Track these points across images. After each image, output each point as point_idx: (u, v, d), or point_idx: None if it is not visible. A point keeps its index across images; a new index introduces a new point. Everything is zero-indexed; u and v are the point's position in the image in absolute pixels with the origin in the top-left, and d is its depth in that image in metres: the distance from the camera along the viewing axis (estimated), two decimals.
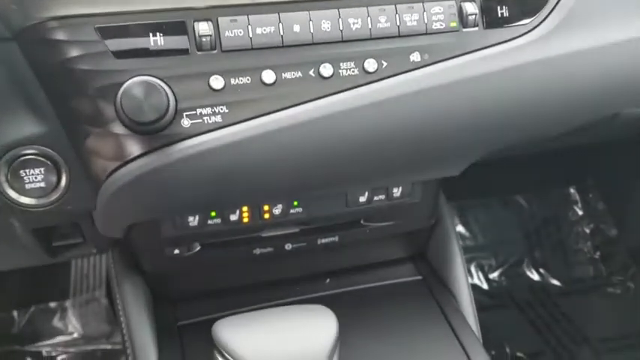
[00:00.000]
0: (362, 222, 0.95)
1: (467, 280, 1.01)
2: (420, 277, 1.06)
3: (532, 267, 1.83)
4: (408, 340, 0.92)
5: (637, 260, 1.79)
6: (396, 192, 0.91)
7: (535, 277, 1.82)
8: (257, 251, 0.92)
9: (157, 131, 0.67)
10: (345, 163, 0.77)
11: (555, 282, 1.81)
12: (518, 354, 1.60)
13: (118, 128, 0.67)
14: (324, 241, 0.94)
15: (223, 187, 0.75)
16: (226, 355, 0.60)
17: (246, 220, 0.86)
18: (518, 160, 1.34)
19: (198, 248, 0.90)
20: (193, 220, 0.84)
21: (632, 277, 1.79)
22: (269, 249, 0.92)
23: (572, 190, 1.91)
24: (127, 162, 0.69)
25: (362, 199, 0.89)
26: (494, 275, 1.80)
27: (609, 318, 1.72)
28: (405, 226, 0.97)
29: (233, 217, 0.85)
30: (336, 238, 0.94)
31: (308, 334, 0.61)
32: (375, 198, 0.90)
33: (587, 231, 1.88)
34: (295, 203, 0.87)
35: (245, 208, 0.86)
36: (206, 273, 0.98)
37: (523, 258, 1.83)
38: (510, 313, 1.73)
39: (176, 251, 0.88)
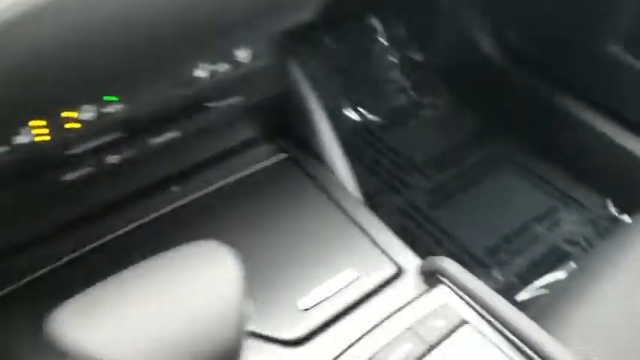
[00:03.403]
0: (205, 105, 0.74)
1: (337, 145, 0.87)
2: (285, 155, 0.90)
3: (350, 108, 1.79)
4: (300, 229, 0.78)
5: (445, 79, 1.84)
6: (243, 56, 0.70)
7: (355, 117, 1.79)
8: (68, 177, 0.68)
9: None
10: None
11: (374, 118, 1.80)
12: None
13: None
14: (159, 140, 0.72)
15: None
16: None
17: (45, 138, 0.61)
18: None
19: None
20: None
21: (439, 95, 1.85)
22: (86, 169, 0.69)
23: (373, 21, 1.85)
24: None
25: (202, 73, 0.68)
26: None
27: (429, 140, 1.78)
28: (256, 96, 0.78)
29: (21, 139, 0.59)
30: (179, 134, 0.72)
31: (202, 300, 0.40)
32: (220, 70, 0.69)
33: (396, 60, 1.87)
34: (114, 98, 0.63)
35: (38, 122, 0.60)
36: None
37: (340, 101, 1.77)
38: None
39: None
